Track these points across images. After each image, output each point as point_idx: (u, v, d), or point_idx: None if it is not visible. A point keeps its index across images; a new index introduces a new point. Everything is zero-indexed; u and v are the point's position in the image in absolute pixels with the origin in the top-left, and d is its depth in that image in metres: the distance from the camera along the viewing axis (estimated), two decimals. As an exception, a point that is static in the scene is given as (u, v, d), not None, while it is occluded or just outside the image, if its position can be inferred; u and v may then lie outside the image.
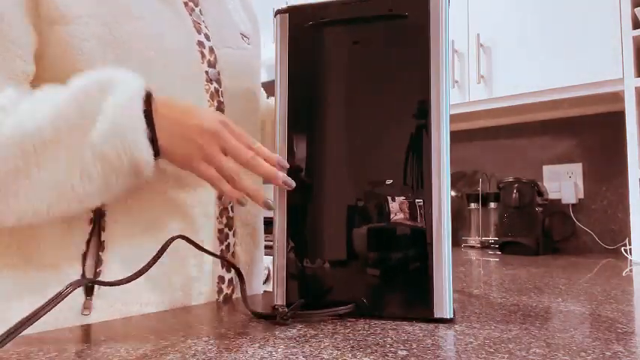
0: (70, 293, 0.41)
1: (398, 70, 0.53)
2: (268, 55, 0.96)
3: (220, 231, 0.66)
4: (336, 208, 0.53)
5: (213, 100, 0.65)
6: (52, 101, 0.49)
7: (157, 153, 0.50)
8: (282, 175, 0.53)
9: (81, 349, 0.40)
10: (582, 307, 0.60)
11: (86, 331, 0.47)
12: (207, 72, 0.65)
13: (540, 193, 1.52)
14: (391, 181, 0.52)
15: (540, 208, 1.51)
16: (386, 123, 0.53)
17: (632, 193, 1.29)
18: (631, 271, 1.05)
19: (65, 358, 0.38)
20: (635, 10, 1.30)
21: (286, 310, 0.50)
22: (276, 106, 0.56)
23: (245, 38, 0.75)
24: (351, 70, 0.54)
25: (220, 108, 0.66)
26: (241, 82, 0.71)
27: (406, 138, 0.52)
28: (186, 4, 0.65)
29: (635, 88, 1.31)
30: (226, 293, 0.67)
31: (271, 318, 0.51)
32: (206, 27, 0.68)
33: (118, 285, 0.47)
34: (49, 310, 0.39)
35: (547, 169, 1.72)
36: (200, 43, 0.65)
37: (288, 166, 0.54)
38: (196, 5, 0.68)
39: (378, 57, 0.54)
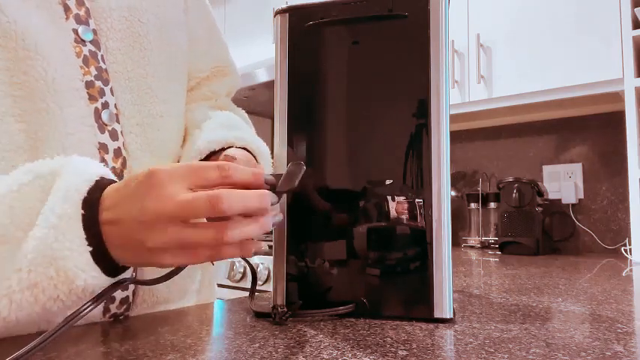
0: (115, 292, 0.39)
1: (398, 70, 0.53)
2: (269, 55, 0.96)
3: None
4: (336, 208, 0.53)
5: (88, 66, 0.52)
6: None
7: (113, 269, 0.39)
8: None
9: (81, 349, 0.40)
10: (582, 307, 0.60)
11: (85, 332, 0.47)
12: (75, 30, 0.51)
13: (540, 193, 1.52)
14: (391, 181, 0.52)
15: (540, 208, 1.51)
16: (386, 123, 0.53)
17: (632, 193, 1.29)
18: (631, 271, 1.05)
19: (65, 358, 0.38)
20: (635, 10, 1.30)
21: (285, 310, 0.50)
22: (275, 106, 0.56)
23: None
24: (350, 70, 0.54)
25: (101, 76, 0.53)
26: (137, 43, 0.57)
27: (406, 138, 0.52)
28: None
29: (635, 88, 1.31)
30: (115, 312, 0.54)
31: (269, 317, 0.51)
32: None
33: (155, 284, 0.45)
34: (95, 307, 0.37)
35: (547, 169, 1.72)
36: None
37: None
38: None
39: (378, 57, 0.54)
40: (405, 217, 0.51)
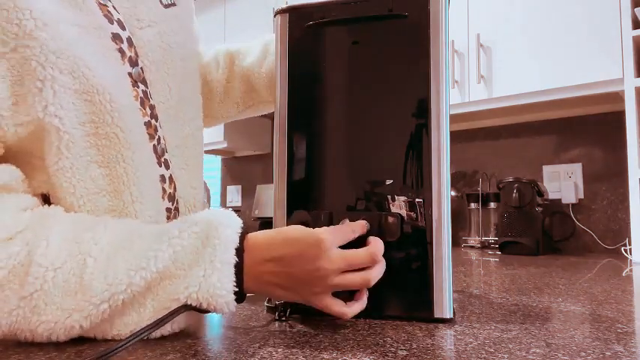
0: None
1: (398, 70, 0.53)
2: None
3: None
4: (336, 208, 0.53)
5: (145, 107, 0.55)
6: (140, 246, 0.44)
7: (241, 301, 0.47)
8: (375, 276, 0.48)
9: (81, 349, 0.40)
10: (582, 307, 0.60)
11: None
12: (130, 74, 0.54)
13: (540, 193, 1.52)
14: (391, 181, 0.52)
15: (540, 208, 1.51)
16: (386, 123, 0.53)
17: (632, 193, 1.29)
18: (631, 271, 1.05)
19: (65, 358, 0.38)
20: (635, 10, 1.30)
21: (285, 305, 0.51)
22: (276, 105, 0.56)
23: None
24: (351, 70, 0.54)
25: (154, 114, 0.57)
26: (172, 69, 0.60)
27: (406, 138, 0.52)
28: None
29: (635, 88, 1.31)
30: None
31: (271, 311, 0.52)
32: (114, 8, 0.54)
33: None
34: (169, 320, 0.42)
35: (547, 169, 1.72)
36: (116, 37, 0.52)
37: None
38: None
39: (378, 57, 0.54)
40: (405, 217, 0.51)
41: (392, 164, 0.52)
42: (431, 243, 0.50)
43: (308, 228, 0.48)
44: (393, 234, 0.51)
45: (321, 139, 0.55)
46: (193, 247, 0.44)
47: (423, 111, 0.52)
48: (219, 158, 2.88)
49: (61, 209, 0.48)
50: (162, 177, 0.57)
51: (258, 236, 0.47)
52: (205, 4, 2.52)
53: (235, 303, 0.44)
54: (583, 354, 0.39)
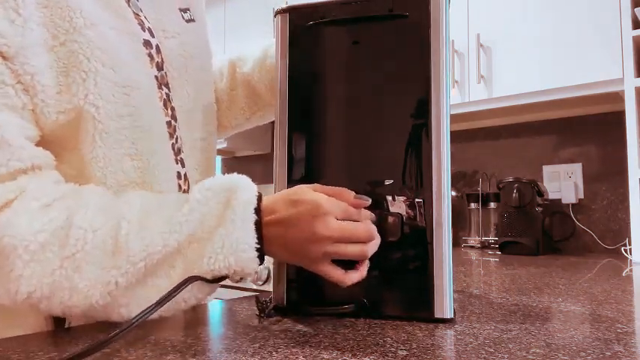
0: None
1: (398, 69, 0.53)
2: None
3: None
4: None
5: (167, 108, 0.60)
6: (167, 211, 0.48)
7: (262, 262, 0.50)
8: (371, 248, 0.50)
9: (81, 349, 0.40)
10: (582, 307, 0.60)
11: (86, 331, 0.47)
12: (157, 77, 0.59)
13: (540, 193, 1.52)
14: (391, 181, 0.52)
15: (540, 208, 1.51)
16: (386, 123, 0.53)
17: (632, 193, 1.29)
18: (631, 271, 1.05)
19: (66, 358, 0.38)
20: (635, 10, 1.30)
21: (269, 303, 0.53)
22: (276, 106, 0.56)
23: (186, 12, 0.67)
24: (351, 70, 0.54)
25: (174, 115, 0.62)
26: (190, 76, 0.65)
27: (406, 138, 0.52)
28: None
29: (635, 88, 1.31)
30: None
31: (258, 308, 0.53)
32: (146, 17, 0.60)
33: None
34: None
35: (547, 169, 1.72)
36: (147, 44, 0.58)
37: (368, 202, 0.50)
38: None
39: (379, 57, 0.54)
40: (405, 217, 0.51)
41: (392, 164, 0.52)
42: (431, 243, 0.50)
43: (312, 191, 0.49)
44: (393, 234, 0.51)
45: (321, 139, 0.55)
46: (216, 211, 0.48)
47: (423, 111, 0.52)
48: (219, 158, 2.89)
49: (92, 185, 0.51)
50: (179, 174, 0.62)
51: (268, 199, 0.50)
52: (205, 3, 2.51)
53: (258, 261, 0.48)
54: (583, 354, 0.39)
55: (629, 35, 1.31)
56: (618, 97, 1.42)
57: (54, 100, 0.49)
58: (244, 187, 0.50)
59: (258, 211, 0.49)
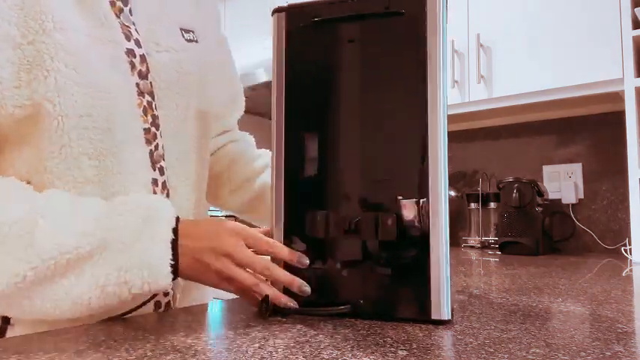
0: None
1: (395, 68, 0.53)
2: (269, 55, 0.97)
3: None
4: (333, 208, 0.53)
5: (146, 115, 0.62)
6: (87, 216, 0.51)
7: (175, 278, 0.53)
8: (298, 283, 0.53)
9: (81, 349, 0.40)
10: (582, 307, 0.60)
11: (86, 331, 0.47)
12: (138, 84, 0.61)
13: (540, 193, 1.52)
14: (388, 180, 0.52)
15: (540, 208, 1.51)
16: (383, 122, 0.53)
17: (632, 193, 1.29)
18: (631, 271, 1.05)
19: (65, 358, 0.38)
20: (635, 10, 1.30)
21: (267, 304, 0.52)
22: (272, 105, 0.56)
23: (189, 33, 0.70)
24: (348, 69, 0.54)
25: (155, 122, 0.63)
26: (184, 90, 0.66)
27: (403, 137, 0.52)
28: (113, 3, 0.60)
29: (635, 88, 1.31)
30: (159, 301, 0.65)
31: (260, 308, 0.53)
32: (136, 30, 0.63)
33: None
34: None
35: (547, 169, 1.72)
36: (129, 52, 0.60)
37: (307, 262, 0.53)
38: (126, 3, 0.62)
39: (375, 55, 0.54)
40: (403, 217, 0.51)
41: (389, 164, 0.52)
42: (428, 244, 0.50)
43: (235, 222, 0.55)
44: (389, 234, 0.51)
45: (317, 138, 0.55)
46: (134, 226, 0.52)
47: (420, 109, 0.51)
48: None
49: (12, 178, 0.54)
50: (155, 181, 0.63)
51: (189, 220, 0.57)
52: (205, 4, 2.51)
53: (171, 276, 0.51)
54: (583, 354, 0.39)
55: (629, 35, 1.31)
56: (618, 97, 1.42)
57: (11, 94, 0.51)
58: (164, 207, 0.54)
59: (175, 230, 0.53)
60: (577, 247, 1.64)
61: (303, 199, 0.54)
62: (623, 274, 0.97)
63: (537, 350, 0.40)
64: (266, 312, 0.52)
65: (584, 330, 0.47)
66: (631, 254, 1.29)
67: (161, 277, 0.51)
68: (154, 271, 0.50)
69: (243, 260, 0.53)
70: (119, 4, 0.61)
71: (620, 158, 1.55)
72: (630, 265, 1.17)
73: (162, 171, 0.64)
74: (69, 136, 0.54)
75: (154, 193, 0.62)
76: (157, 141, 0.63)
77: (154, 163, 0.62)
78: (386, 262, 0.51)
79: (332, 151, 0.54)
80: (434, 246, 0.50)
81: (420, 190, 0.51)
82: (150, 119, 0.62)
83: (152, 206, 0.54)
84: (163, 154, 0.64)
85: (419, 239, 0.51)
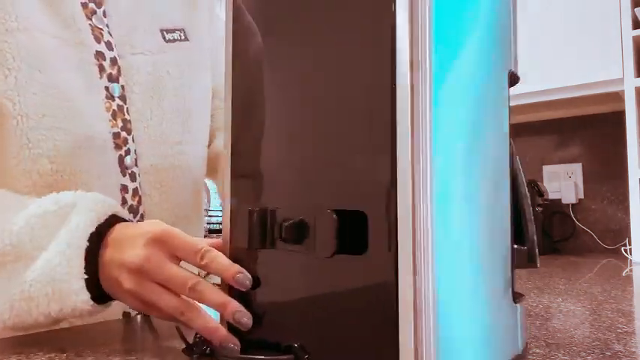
0: None
1: (357, 46, 0.32)
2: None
3: None
4: (275, 206, 0.36)
5: (116, 119, 0.59)
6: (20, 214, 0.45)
7: (100, 296, 0.42)
8: (233, 309, 0.36)
9: (81, 349, 0.40)
10: (582, 307, 0.60)
11: (86, 331, 0.47)
12: (107, 87, 0.59)
13: (540, 193, 1.52)
14: (336, 182, 0.34)
15: (540, 208, 1.51)
16: (339, 114, 0.33)
17: (632, 193, 1.29)
18: (631, 271, 1.05)
19: (65, 358, 0.38)
20: (635, 10, 1.30)
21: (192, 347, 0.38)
22: (225, 89, 0.40)
23: (174, 33, 0.66)
24: (302, 48, 0.37)
25: (126, 127, 0.60)
26: (159, 94, 0.63)
27: (362, 127, 0.32)
28: (85, 5, 0.58)
29: (635, 88, 1.31)
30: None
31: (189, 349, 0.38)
32: (109, 32, 0.61)
33: None
34: None
35: (547, 169, 1.72)
36: (99, 55, 0.59)
37: (249, 285, 0.36)
38: (99, 5, 0.60)
39: (335, 31, 0.34)
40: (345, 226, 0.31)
41: (340, 163, 0.33)
42: (395, 274, 0.28)
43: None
44: (325, 249, 0.32)
45: (265, 131, 0.38)
46: (52, 228, 0.43)
47: (384, 96, 0.30)
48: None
49: None
50: (125, 187, 0.59)
51: (125, 224, 0.45)
52: (205, 4, 2.51)
53: (88, 294, 0.41)
54: (583, 354, 0.39)
55: (629, 35, 1.31)
56: (618, 97, 1.42)
57: None
58: (92, 207, 0.44)
59: (99, 235, 0.42)
60: (577, 247, 1.64)
61: (248, 194, 0.39)
62: (623, 274, 0.97)
63: (537, 350, 0.40)
64: (193, 354, 0.37)
65: (584, 330, 0.47)
66: (631, 254, 1.29)
67: (70, 294, 0.40)
68: (58, 286, 0.41)
69: (157, 277, 0.39)
70: (91, 5, 0.59)
71: (620, 158, 1.54)
72: (630, 265, 1.17)
73: (133, 177, 0.60)
74: (27, 137, 0.53)
75: (123, 199, 0.59)
76: (127, 146, 0.60)
77: (124, 169, 0.59)
78: (336, 297, 0.32)
79: (276, 146, 0.38)
80: (403, 279, 0.28)
81: (385, 196, 0.29)
82: (120, 123, 0.59)
83: (73, 203, 0.44)
84: (136, 160, 0.61)
85: (381, 267, 0.29)
